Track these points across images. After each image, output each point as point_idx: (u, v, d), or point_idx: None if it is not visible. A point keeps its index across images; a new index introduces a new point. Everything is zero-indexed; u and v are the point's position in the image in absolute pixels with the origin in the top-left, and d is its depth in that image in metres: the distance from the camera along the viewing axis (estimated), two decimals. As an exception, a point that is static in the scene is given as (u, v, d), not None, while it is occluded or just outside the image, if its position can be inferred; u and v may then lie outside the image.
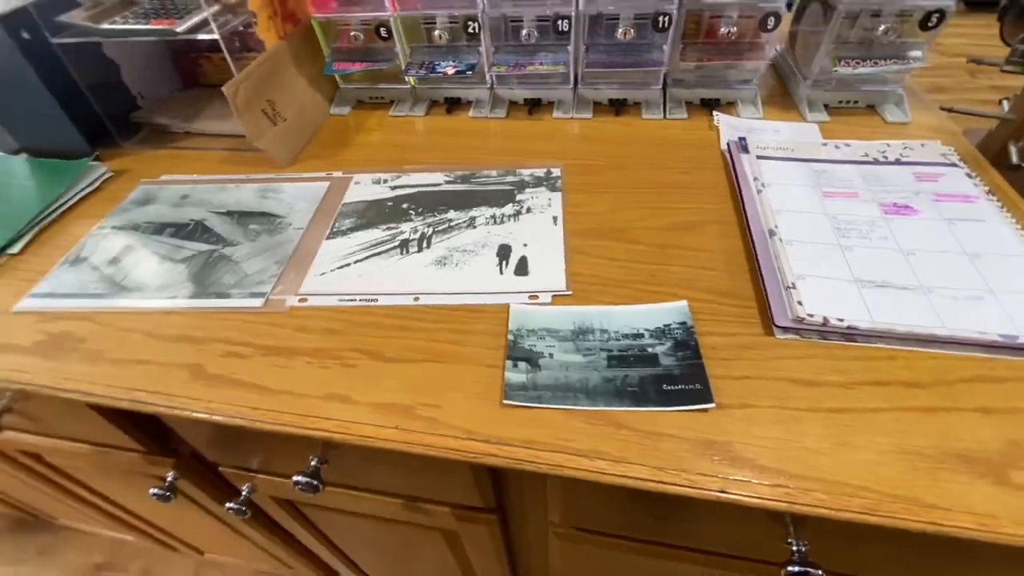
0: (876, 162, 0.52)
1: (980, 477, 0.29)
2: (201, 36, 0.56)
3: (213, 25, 0.55)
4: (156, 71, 0.73)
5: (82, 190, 0.60)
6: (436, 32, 0.65)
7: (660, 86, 0.65)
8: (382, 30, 0.65)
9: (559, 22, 0.61)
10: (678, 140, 0.61)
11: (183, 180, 0.62)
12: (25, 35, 0.57)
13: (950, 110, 0.64)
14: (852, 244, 0.43)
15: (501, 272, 0.46)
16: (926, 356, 0.36)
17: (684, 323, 0.39)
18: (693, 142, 0.60)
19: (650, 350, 0.38)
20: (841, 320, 0.37)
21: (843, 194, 0.48)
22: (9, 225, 0.55)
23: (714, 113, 0.63)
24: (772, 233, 0.44)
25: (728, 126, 0.61)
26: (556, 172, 0.57)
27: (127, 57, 0.67)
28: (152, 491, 0.55)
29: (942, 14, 0.54)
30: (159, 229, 0.55)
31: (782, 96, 0.68)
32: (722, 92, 0.65)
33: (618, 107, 0.67)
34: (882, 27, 0.56)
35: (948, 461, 0.30)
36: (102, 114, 0.66)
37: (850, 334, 0.37)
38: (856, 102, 0.63)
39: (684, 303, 0.41)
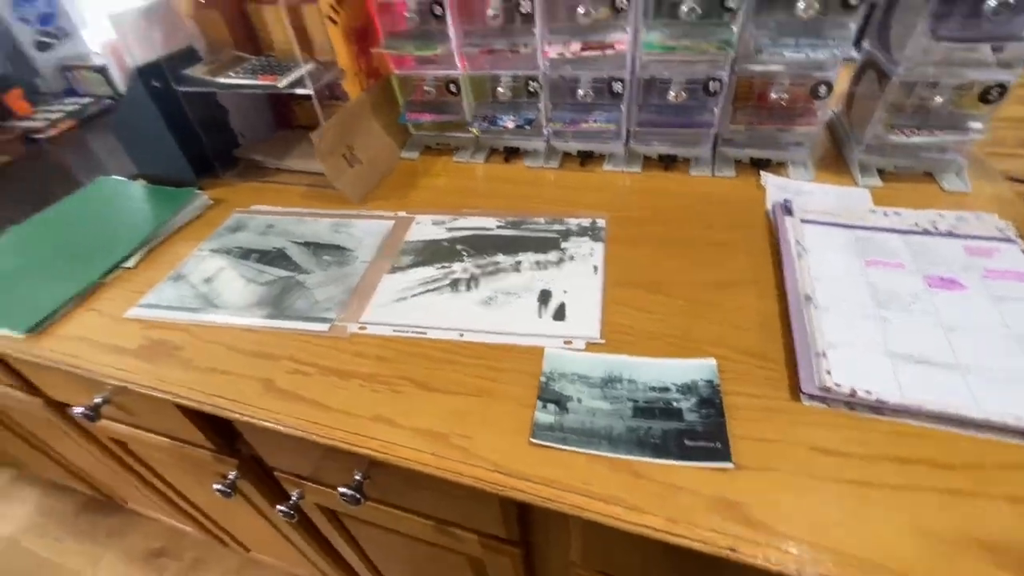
0: (926, 232, 0.51)
1: (1001, 568, 0.29)
2: (298, 91, 0.64)
3: (308, 82, 0.64)
4: (256, 114, 0.83)
5: (187, 216, 0.70)
6: (500, 89, 0.71)
7: (710, 144, 0.68)
8: (452, 86, 0.72)
9: (613, 84, 0.65)
10: (724, 198, 0.63)
11: (269, 211, 0.70)
12: (156, 83, 0.68)
13: (1019, 181, 0.62)
14: (891, 316, 0.43)
15: (540, 316, 0.49)
16: (957, 437, 0.35)
17: (711, 381, 0.41)
18: (739, 200, 0.62)
19: (675, 404, 0.39)
20: (869, 393, 0.37)
21: (887, 263, 0.48)
22: (127, 242, 0.65)
23: (762, 173, 0.65)
24: (808, 299, 0.45)
25: (776, 187, 0.63)
26: (601, 223, 0.60)
27: (235, 103, 0.78)
28: (216, 486, 0.62)
29: (1003, 88, 0.53)
30: (246, 254, 0.62)
31: (835, 157, 0.68)
32: (773, 153, 0.66)
33: (667, 162, 0.70)
34: (938, 98, 0.56)
35: (969, 548, 0.30)
36: (209, 150, 0.76)
37: (878, 407, 0.37)
38: (913, 168, 0.62)
39: (712, 361, 0.42)
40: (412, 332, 0.49)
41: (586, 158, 0.73)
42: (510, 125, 0.71)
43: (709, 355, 0.43)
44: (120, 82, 0.68)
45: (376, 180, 0.74)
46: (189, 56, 0.71)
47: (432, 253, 0.59)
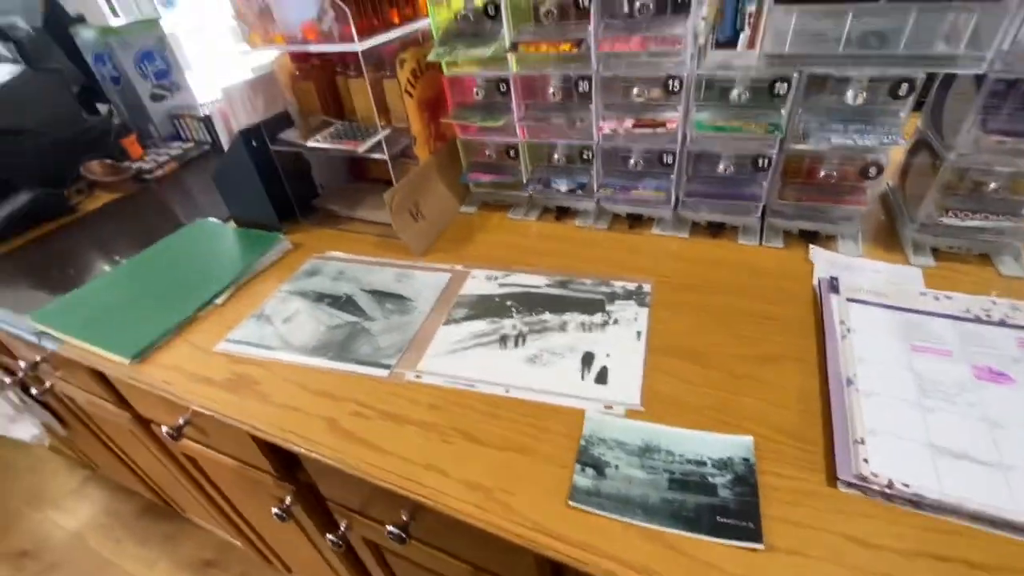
0: (977, 320, 0.51)
1: None
2: (375, 155, 0.72)
3: (384, 147, 0.72)
4: (335, 168, 0.93)
5: (271, 258, 0.78)
6: (555, 156, 0.77)
7: (759, 214, 0.69)
8: (511, 151, 0.78)
9: (664, 156, 0.69)
10: (771, 269, 0.64)
11: (341, 258, 0.77)
12: (254, 143, 0.78)
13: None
14: (934, 406, 0.43)
15: (582, 378, 0.52)
16: (997, 539, 0.35)
17: (747, 459, 0.42)
18: (786, 273, 0.63)
19: (710, 479, 0.41)
20: (907, 485, 0.38)
21: (934, 350, 0.48)
22: (219, 280, 0.73)
23: (810, 247, 0.66)
24: (850, 382, 0.46)
25: (824, 261, 0.64)
26: (646, 288, 0.63)
27: (318, 159, 0.87)
28: (274, 510, 0.67)
29: (1062, 179, 0.53)
30: (319, 298, 0.69)
31: (888, 231, 0.68)
32: (822, 226, 0.67)
33: (715, 229, 0.72)
34: (993, 184, 0.57)
35: (1006, 659, 0.30)
36: (293, 199, 0.85)
37: (916, 501, 0.37)
38: (969, 250, 0.62)
39: (749, 439, 0.44)
40: (463, 384, 0.53)
41: (635, 221, 0.76)
42: (563, 189, 0.76)
43: (747, 431, 0.45)
44: (225, 139, 0.78)
45: (437, 233, 0.80)
46: (283, 119, 0.81)
47: (484, 308, 0.63)
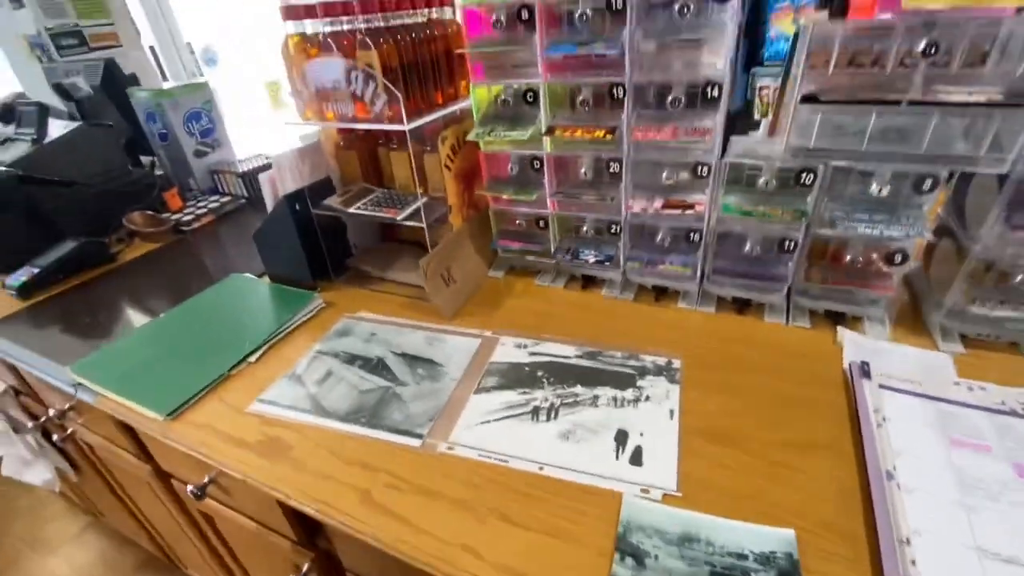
0: (1014, 413, 0.51)
1: None
2: (411, 223, 0.75)
3: (423, 215, 0.75)
4: (368, 228, 0.96)
5: (303, 316, 0.80)
6: (584, 228, 0.79)
7: (784, 292, 0.71)
8: (541, 222, 0.81)
9: (691, 234, 0.71)
10: (799, 350, 0.65)
11: (373, 319, 0.79)
12: (297, 206, 0.82)
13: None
14: (977, 504, 0.43)
15: (617, 457, 0.52)
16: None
17: (790, 554, 0.42)
18: (814, 354, 0.64)
19: (753, 575, 0.40)
20: (959, 594, 0.37)
21: (973, 445, 0.48)
22: (252, 338, 0.75)
23: (838, 328, 0.67)
24: (890, 476, 0.46)
25: (852, 344, 0.64)
26: (676, 364, 0.64)
27: (353, 221, 0.91)
28: (292, 579, 0.65)
29: (1089, 276, 0.55)
30: (351, 360, 0.71)
31: (914, 313, 0.69)
32: (848, 307, 0.68)
33: (741, 305, 0.74)
34: (1020, 276, 0.58)
35: None
36: (327, 258, 0.89)
37: (970, 612, 0.36)
38: (998, 337, 0.62)
39: (792, 533, 0.43)
40: (496, 459, 0.53)
41: (661, 293, 0.78)
42: (591, 259, 0.78)
43: (787, 523, 0.44)
44: (270, 201, 0.82)
45: (467, 297, 0.82)
46: (326, 184, 0.85)
47: (515, 377, 0.64)
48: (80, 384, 0.71)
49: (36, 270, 0.97)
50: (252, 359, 0.72)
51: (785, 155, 0.61)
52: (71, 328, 0.86)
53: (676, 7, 0.57)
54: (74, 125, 1.19)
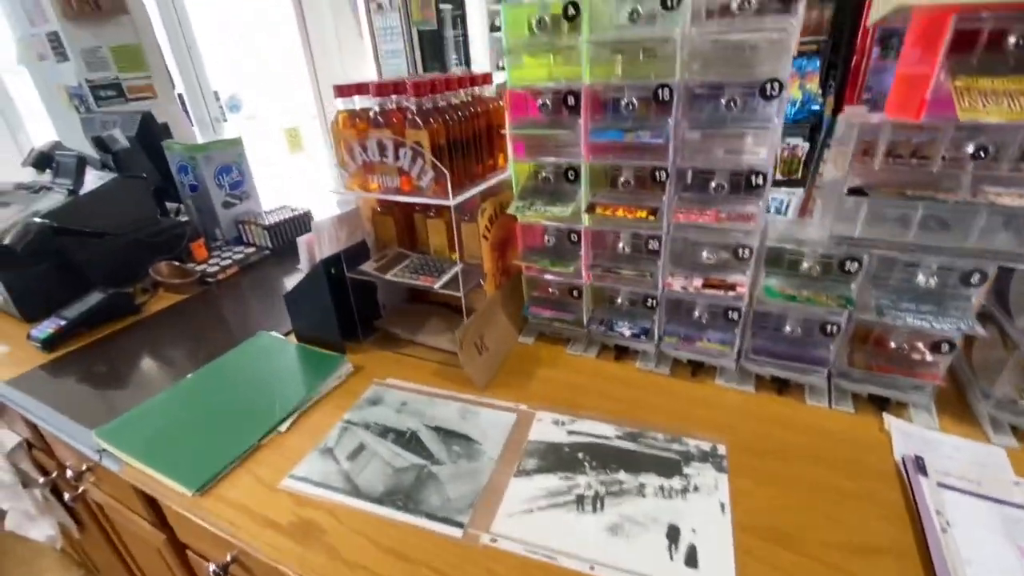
0: (1084, 523, 0.49)
1: None
2: (448, 292, 0.75)
3: (461, 283, 0.75)
4: (397, 289, 0.96)
5: (332, 382, 0.79)
6: (619, 300, 0.79)
7: (825, 374, 0.70)
8: (574, 291, 0.81)
9: (730, 312, 0.71)
10: (845, 436, 0.64)
11: (404, 387, 0.78)
12: (332, 270, 0.82)
13: None
14: (1065, 633, 0.40)
15: (671, 558, 0.50)
16: None
17: None
18: (861, 442, 0.63)
19: None
20: None
21: (1046, 558, 0.46)
22: (282, 406, 0.74)
23: (884, 416, 0.66)
24: (963, 592, 0.44)
25: (901, 434, 0.63)
26: (721, 450, 0.62)
27: (384, 282, 0.91)
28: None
29: None
30: (384, 432, 0.69)
31: (959, 401, 0.68)
32: (891, 392, 0.67)
33: (780, 384, 0.72)
34: (1074, 373, 0.57)
35: None
36: (357, 319, 0.88)
37: None
38: (1051, 430, 0.61)
39: (866, 657, 0.41)
40: (543, 555, 0.51)
41: (697, 367, 0.77)
42: (626, 333, 0.78)
43: (859, 645, 0.42)
44: (305, 261, 0.83)
45: (499, 364, 0.81)
46: (361, 247, 0.86)
47: (555, 459, 0.63)
48: (104, 450, 0.69)
49: (63, 322, 0.97)
50: (282, 429, 0.71)
51: (829, 243, 0.61)
52: (94, 385, 0.85)
53: (723, 100, 0.59)
54: (109, 176, 1.22)
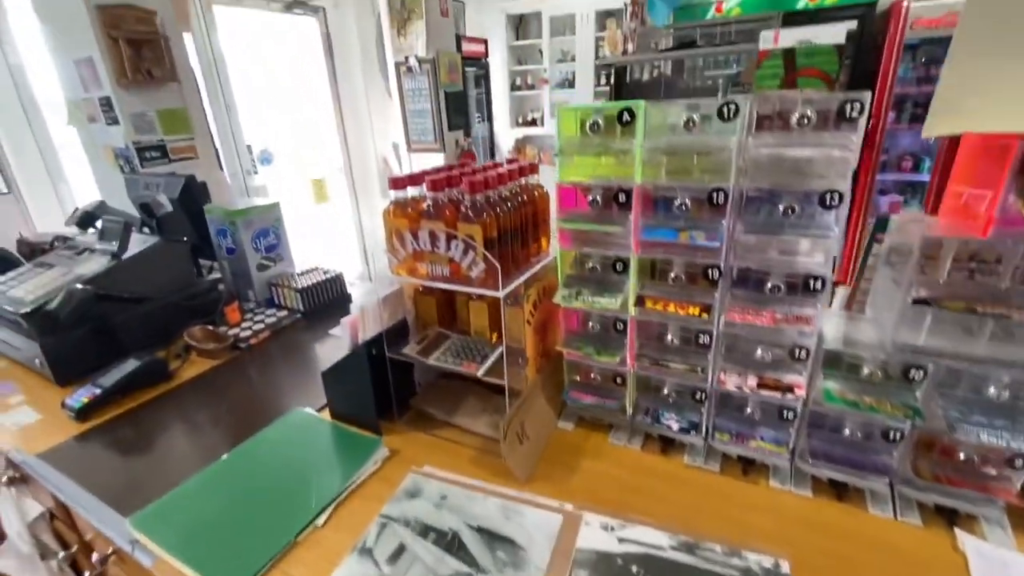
0: None
1: None
2: (491, 380, 0.74)
3: (506, 371, 0.74)
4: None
5: (369, 468, 0.77)
6: (665, 391, 0.78)
7: (887, 480, 0.67)
8: (618, 378, 0.80)
9: (785, 411, 0.69)
10: (916, 555, 0.60)
11: (442, 477, 0.75)
12: (374, 351, 0.82)
13: None
14: None
15: None
16: None
17: None
18: (937, 563, 0.59)
19: None
20: None
21: None
22: (319, 494, 0.72)
23: (956, 532, 0.62)
24: None
25: (978, 555, 0.59)
26: (785, 568, 0.59)
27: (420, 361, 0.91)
28: None
29: None
30: (424, 531, 0.66)
31: (1033, 515, 0.64)
32: (960, 503, 0.64)
33: (839, 488, 0.69)
34: None
35: None
36: (394, 398, 0.87)
37: None
38: None
39: None
40: None
41: (748, 464, 0.74)
42: (674, 426, 0.75)
43: None
44: (347, 343, 0.83)
45: (539, 454, 0.79)
46: (402, 327, 0.86)
47: (607, 573, 0.59)
48: (137, 541, 0.67)
49: (98, 391, 0.97)
50: (319, 522, 0.69)
51: (892, 350, 0.60)
52: (127, 462, 0.84)
53: (781, 208, 0.60)
54: (151, 240, 1.25)
